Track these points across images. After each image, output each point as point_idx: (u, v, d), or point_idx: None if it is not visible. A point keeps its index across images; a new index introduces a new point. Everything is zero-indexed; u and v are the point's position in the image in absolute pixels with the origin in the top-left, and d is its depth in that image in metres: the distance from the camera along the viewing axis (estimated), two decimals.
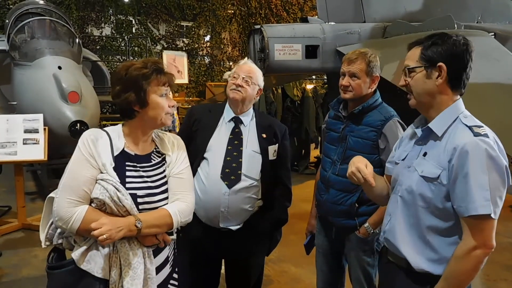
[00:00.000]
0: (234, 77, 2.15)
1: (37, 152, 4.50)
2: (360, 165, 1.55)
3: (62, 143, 4.84)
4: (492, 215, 1.34)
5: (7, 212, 5.22)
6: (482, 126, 1.42)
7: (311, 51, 4.45)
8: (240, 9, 14.45)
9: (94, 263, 1.46)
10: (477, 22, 4.87)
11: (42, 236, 1.55)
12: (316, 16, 5.01)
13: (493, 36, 4.16)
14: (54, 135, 4.80)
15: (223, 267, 2.33)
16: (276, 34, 4.36)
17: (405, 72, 1.53)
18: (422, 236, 1.47)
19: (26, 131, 4.55)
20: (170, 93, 1.63)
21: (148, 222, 1.48)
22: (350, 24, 4.63)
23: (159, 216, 1.52)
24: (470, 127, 1.39)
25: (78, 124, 4.92)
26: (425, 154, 1.49)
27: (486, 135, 1.37)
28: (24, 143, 4.49)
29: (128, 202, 1.47)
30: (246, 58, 2.40)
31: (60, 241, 1.53)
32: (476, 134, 1.36)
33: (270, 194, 2.20)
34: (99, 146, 1.52)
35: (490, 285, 3.46)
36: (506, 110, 3.11)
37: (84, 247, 1.47)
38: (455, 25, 4.14)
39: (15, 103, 5.59)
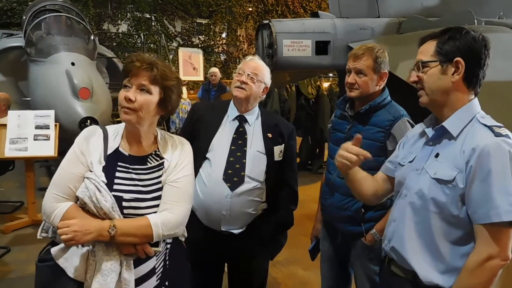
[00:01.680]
0: (239, 73, 2.08)
1: (48, 148, 4.52)
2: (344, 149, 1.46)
3: (72, 139, 4.82)
4: None
5: (19, 207, 5.26)
6: (502, 126, 1.32)
7: (321, 47, 4.30)
8: (257, 6, 14.35)
9: (70, 262, 1.40)
10: (498, 18, 4.65)
11: (40, 227, 1.52)
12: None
13: None
14: (65, 131, 4.80)
15: (226, 270, 2.26)
16: (285, 29, 4.20)
17: (417, 67, 1.41)
18: (433, 245, 1.35)
19: (37, 127, 4.57)
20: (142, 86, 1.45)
21: (124, 230, 1.39)
22: (363, 19, 4.46)
23: (137, 225, 1.42)
24: (489, 127, 1.30)
25: (89, 121, 4.90)
26: (437, 155, 1.38)
27: (507, 136, 1.27)
28: (35, 139, 4.51)
29: (107, 205, 1.39)
30: (254, 55, 2.32)
31: (54, 234, 1.49)
32: (498, 134, 1.27)
33: (275, 197, 2.12)
34: (91, 143, 1.47)
35: None
36: None
37: None
38: (475, 21, 3.96)
39: (29, 99, 5.64)
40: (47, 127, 4.60)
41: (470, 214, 1.28)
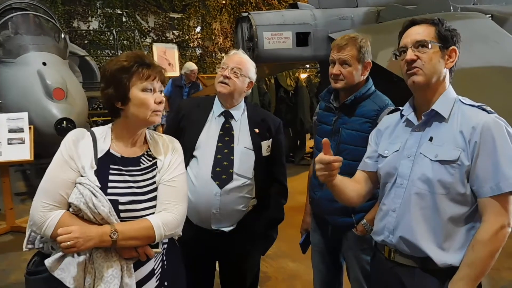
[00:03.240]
0: (223, 68, 2.03)
1: (23, 152, 4.38)
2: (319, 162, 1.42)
3: (48, 142, 4.69)
4: None
5: None
6: (487, 106, 1.40)
7: (302, 38, 4.29)
8: None
9: (68, 272, 1.34)
10: (473, 4, 4.74)
11: (25, 239, 1.45)
12: (307, 2, 4.84)
13: (490, 18, 4.04)
14: (40, 133, 4.67)
15: (217, 268, 2.23)
16: (264, 21, 4.18)
17: (418, 45, 1.41)
18: (443, 226, 1.38)
19: (10, 131, 4.43)
20: (161, 88, 1.49)
21: (126, 234, 1.35)
22: (342, 9, 4.47)
23: (139, 228, 1.39)
24: (479, 107, 1.38)
25: (65, 122, 4.79)
26: (431, 139, 1.41)
27: (495, 113, 1.37)
28: (9, 143, 4.37)
29: (105, 210, 1.35)
30: (232, 48, 2.27)
31: (41, 245, 1.43)
32: (490, 112, 1.36)
33: (265, 192, 2.10)
34: (80, 147, 1.42)
35: (493, 274, 3.38)
36: (506, 93, 3.01)
37: (60, 254, 1.36)
38: (451, 7, 4.02)
39: (0, 101, 5.44)
40: (21, 130, 4.46)
41: (475, 189, 1.34)
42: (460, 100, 1.43)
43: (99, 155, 1.43)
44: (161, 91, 1.49)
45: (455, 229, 1.38)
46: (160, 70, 1.48)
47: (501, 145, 1.30)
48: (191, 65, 7.25)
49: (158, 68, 1.47)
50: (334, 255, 2.20)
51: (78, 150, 1.41)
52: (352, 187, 1.62)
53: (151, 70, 1.44)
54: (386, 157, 1.53)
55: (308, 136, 8.19)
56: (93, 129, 1.51)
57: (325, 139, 1.42)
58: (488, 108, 1.38)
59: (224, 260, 2.16)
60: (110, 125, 1.53)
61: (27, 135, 4.43)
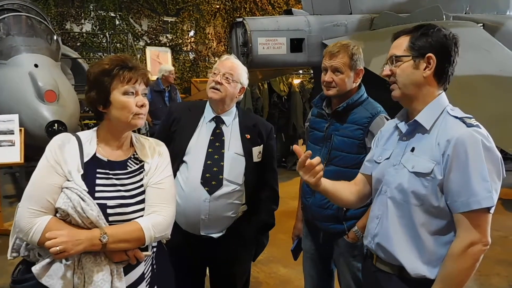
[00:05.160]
0: (215, 73, 2.02)
1: (13, 155, 4.31)
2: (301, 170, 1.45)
3: (39, 145, 4.63)
4: (492, 209, 1.27)
5: None
6: (472, 118, 1.37)
7: (296, 44, 4.31)
8: (225, 3, 14.24)
9: (56, 278, 1.32)
10: (465, 13, 4.79)
11: (10, 247, 1.42)
12: (302, 9, 4.86)
13: (482, 27, 4.08)
14: (31, 136, 4.61)
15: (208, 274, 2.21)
16: (259, 27, 4.20)
17: (391, 61, 1.45)
18: (417, 237, 1.38)
19: (0, 133, 4.37)
20: (144, 91, 1.48)
21: (116, 237, 1.34)
22: (336, 16, 4.50)
23: (129, 231, 1.38)
24: (461, 119, 1.35)
25: (56, 125, 4.72)
26: (412, 150, 1.41)
27: (478, 126, 1.33)
28: None
29: (94, 214, 1.33)
30: (226, 53, 2.26)
31: (26, 253, 1.40)
32: (469, 125, 1.32)
33: (256, 198, 2.08)
34: (66, 151, 1.40)
35: (483, 280, 3.40)
36: (497, 102, 3.03)
37: (47, 260, 1.34)
38: (444, 16, 4.06)
39: None
40: (11, 132, 4.41)
41: (449, 204, 1.32)
42: (448, 110, 1.40)
43: (85, 159, 1.42)
44: (145, 94, 1.48)
45: (430, 241, 1.36)
46: (144, 72, 1.47)
47: (474, 160, 1.27)
48: (168, 66, 6.87)
49: (141, 71, 1.46)
50: (326, 262, 2.19)
51: (64, 155, 1.39)
52: (349, 189, 1.63)
53: (132, 73, 1.43)
54: (379, 163, 1.54)
55: (301, 141, 8.20)
56: (78, 133, 1.49)
57: (308, 152, 1.43)
58: (470, 120, 1.34)
59: (214, 265, 2.14)
60: (95, 128, 1.52)
61: (17, 138, 4.37)
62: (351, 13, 4.62)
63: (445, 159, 1.31)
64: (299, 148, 1.46)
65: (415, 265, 1.38)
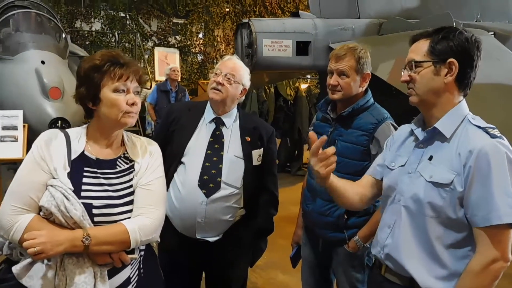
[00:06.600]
0: (216, 73, 1.98)
1: (16, 150, 4.31)
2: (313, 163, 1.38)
3: None
4: None
5: None
6: (495, 128, 1.31)
7: (302, 47, 4.27)
8: (234, 6, 14.26)
9: (37, 279, 1.27)
10: (476, 21, 4.73)
11: None
12: (309, 11, 4.83)
13: (492, 35, 4.02)
14: (34, 132, 4.60)
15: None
16: (265, 28, 4.15)
17: (410, 66, 1.37)
18: (431, 249, 1.32)
19: (4, 128, 4.38)
20: (137, 89, 1.43)
21: (99, 239, 1.29)
22: (344, 20, 4.46)
23: (113, 233, 1.32)
24: (484, 129, 1.29)
25: (59, 121, 4.72)
26: (430, 158, 1.35)
27: (502, 137, 1.28)
28: (1, 141, 4.32)
29: (77, 213, 1.28)
30: (233, 54, 2.23)
31: (9, 252, 1.36)
32: (493, 136, 1.27)
33: (254, 202, 2.04)
34: (52, 148, 1.35)
35: None
36: (508, 111, 2.97)
37: (29, 260, 1.29)
38: (454, 23, 3.99)
39: None
40: (14, 128, 4.41)
41: (469, 217, 1.26)
42: (469, 119, 1.33)
43: (72, 157, 1.37)
44: (137, 92, 1.44)
45: (444, 255, 1.31)
46: (136, 69, 1.42)
47: (497, 173, 1.22)
48: (171, 65, 7.02)
49: (133, 68, 1.41)
50: (324, 270, 2.14)
51: (50, 151, 1.35)
52: (355, 190, 1.58)
53: (124, 69, 1.38)
54: (392, 169, 1.48)
55: (306, 147, 8.15)
56: (68, 130, 1.45)
57: (323, 137, 1.36)
58: (493, 131, 1.28)
59: (210, 270, 2.10)
60: (85, 126, 1.47)
61: (20, 133, 4.36)
62: (359, 17, 4.58)
63: (466, 171, 1.25)
64: (314, 135, 1.40)
65: (426, 278, 1.32)
